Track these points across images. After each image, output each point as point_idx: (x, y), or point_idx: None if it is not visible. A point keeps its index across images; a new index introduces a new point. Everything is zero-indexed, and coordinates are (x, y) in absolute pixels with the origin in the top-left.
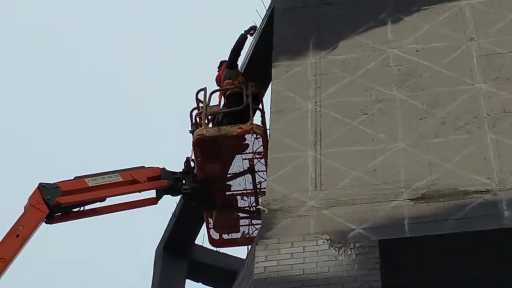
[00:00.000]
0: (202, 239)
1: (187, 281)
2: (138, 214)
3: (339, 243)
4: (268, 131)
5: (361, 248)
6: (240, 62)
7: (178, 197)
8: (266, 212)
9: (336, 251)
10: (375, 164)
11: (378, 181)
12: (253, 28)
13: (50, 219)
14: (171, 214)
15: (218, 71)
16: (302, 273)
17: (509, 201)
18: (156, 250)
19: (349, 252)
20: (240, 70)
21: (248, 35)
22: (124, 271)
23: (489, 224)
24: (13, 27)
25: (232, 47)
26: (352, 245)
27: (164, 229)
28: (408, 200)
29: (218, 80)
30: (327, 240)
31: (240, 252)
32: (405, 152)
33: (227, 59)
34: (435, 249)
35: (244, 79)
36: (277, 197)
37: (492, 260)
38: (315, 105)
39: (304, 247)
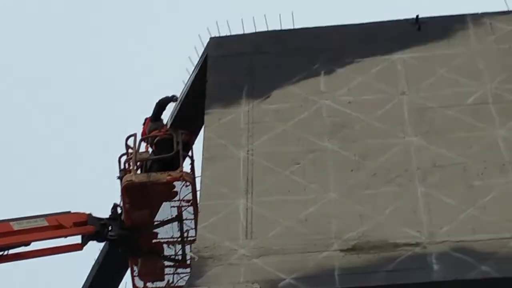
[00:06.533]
0: (124, 287)
1: None
2: (60, 260)
3: None
4: (198, 178)
5: None
6: (170, 110)
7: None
8: (196, 260)
9: None
10: (307, 214)
11: (309, 231)
12: (175, 96)
13: None
14: (93, 261)
15: (143, 127)
16: None
17: (438, 254)
18: None
19: None
20: (171, 116)
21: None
22: None
23: (419, 277)
24: None
25: (158, 101)
26: None
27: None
28: (339, 251)
29: (144, 135)
30: None
31: None
32: (337, 203)
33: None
34: None
35: (171, 128)
36: (208, 244)
37: None
38: (247, 154)
39: None
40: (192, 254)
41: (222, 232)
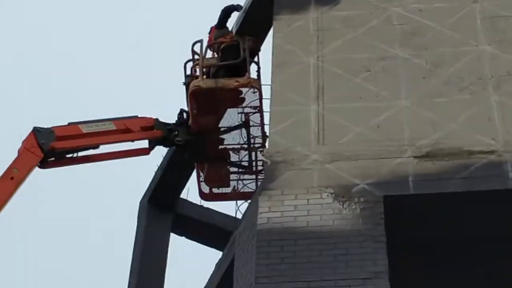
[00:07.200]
0: (186, 193)
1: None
2: (124, 164)
3: (343, 197)
4: (268, 85)
5: (366, 203)
6: (236, 17)
7: (164, 150)
8: (269, 164)
9: (340, 204)
10: (379, 121)
11: (382, 137)
12: (240, 6)
13: (44, 164)
14: (156, 167)
15: (209, 36)
16: (306, 225)
17: None
18: (140, 203)
19: (353, 207)
20: (236, 23)
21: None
22: (110, 223)
23: (494, 185)
24: None
25: (223, 8)
26: (356, 199)
27: (149, 181)
28: (413, 158)
29: (210, 43)
30: (331, 193)
31: (224, 207)
32: (409, 110)
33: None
34: (439, 207)
35: (237, 35)
36: (280, 149)
37: (495, 221)
38: (317, 60)
39: (308, 200)
40: (264, 159)
41: (294, 137)
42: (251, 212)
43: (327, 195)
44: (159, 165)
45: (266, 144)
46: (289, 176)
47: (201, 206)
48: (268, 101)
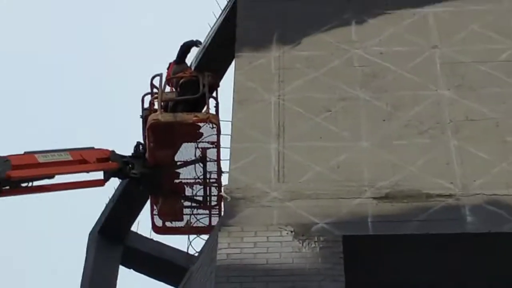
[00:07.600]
0: (137, 226)
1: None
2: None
3: (302, 235)
4: (226, 121)
5: (325, 242)
6: (195, 53)
7: (117, 182)
8: (229, 200)
9: (300, 243)
10: (339, 161)
11: (342, 177)
12: (199, 42)
13: None
14: (107, 198)
15: (167, 71)
16: (265, 263)
17: (472, 206)
18: (90, 233)
19: (313, 245)
20: (196, 58)
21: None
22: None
23: (452, 228)
24: None
25: (182, 44)
26: (316, 238)
27: (100, 213)
28: (372, 199)
29: (169, 78)
30: (291, 231)
31: (175, 242)
32: (369, 152)
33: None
34: (397, 249)
35: (196, 70)
36: (240, 186)
37: (453, 264)
38: (278, 98)
39: (267, 237)
40: (224, 195)
41: (254, 174)
42: (209, 248)
43: (287, 233)
44: (110, 197)
45: (222, 179)
46: (249, 213)
47: (151, 239)
48: (225, 137)
